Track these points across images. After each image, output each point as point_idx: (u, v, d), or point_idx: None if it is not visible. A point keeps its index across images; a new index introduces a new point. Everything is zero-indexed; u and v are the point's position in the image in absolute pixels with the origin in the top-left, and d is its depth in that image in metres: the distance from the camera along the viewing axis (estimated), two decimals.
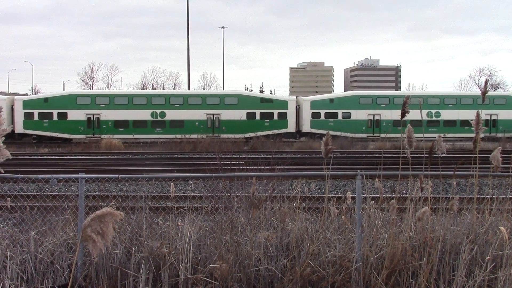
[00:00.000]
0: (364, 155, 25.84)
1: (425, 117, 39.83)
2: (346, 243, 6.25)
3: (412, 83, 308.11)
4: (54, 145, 35.40)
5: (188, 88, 58.23)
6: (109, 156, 25.69)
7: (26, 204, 7.43)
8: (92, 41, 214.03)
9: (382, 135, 39.77)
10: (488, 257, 5.14)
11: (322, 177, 13.87)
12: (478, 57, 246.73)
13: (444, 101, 41.53)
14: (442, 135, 5.96)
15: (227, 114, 39.41)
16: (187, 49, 55.97)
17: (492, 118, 40.96)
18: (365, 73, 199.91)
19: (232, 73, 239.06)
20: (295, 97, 43.48)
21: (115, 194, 9.80)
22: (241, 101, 40.08)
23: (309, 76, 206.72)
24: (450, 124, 40.36)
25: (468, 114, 39.93)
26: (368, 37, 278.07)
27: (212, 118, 39.43)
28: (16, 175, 6.61)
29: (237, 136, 38.80)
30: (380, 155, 23.29)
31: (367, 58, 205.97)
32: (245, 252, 6.11)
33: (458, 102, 41.12)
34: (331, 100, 42.12)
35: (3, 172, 2.71)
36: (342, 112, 40.86)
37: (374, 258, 5.83)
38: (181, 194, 9.76)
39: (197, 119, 39.17)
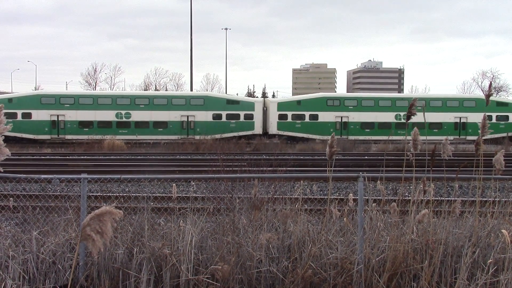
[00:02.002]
0: (366, 157, 25.82)
1: (114, 118, 39.34)
2: (348, 245, 6.25)
3: (415, 85, 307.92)
4: (57, 146, 35.47)
5: (191, 89, 58.28)
6: (112, 157, 25.72)
7: (28, 204, 7.45)
8: (95, 41, 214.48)
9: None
10: (490, 260, 5.13)
11: (325, 179, 13.87)
12: (482, 60, 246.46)
13: (135, 101, 40.23)
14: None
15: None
16: (190, 50, 56.03)
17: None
18: (368, 75, 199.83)
19: (235, 74, 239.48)
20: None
21: (117, 194, 9.81)
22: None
23: (312, 78, 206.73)
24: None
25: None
26: (371, 39, 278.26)
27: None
28: (19, 175, 6.63)
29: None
30: (382, 157, 23.27)
31: (370, 60, 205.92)
32: (247, 254, 6.11)
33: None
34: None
35: (2, 171, 2.71)
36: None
37: (375, 260, 5.83)
38: (183, 195, 9.76)
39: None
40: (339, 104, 41.32)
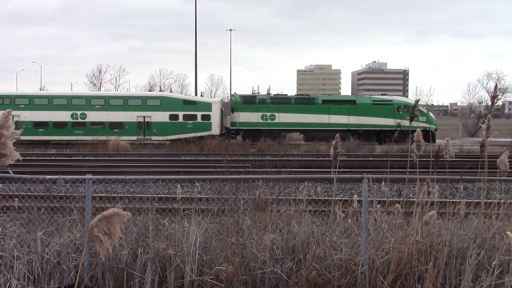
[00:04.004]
0: (371, 158, 25.81)
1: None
2: (352, 247, 6.25)
3: (420, 86, 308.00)
4: (62, 146, 35.56)
5: (195, 91, 58.37)
6: (116, 157, 25.79)
7: (33, 205, 7.47)
8: (100, 42, 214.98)
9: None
10: (495, 262, 5.11)
11: (329, 180, 13.86)
12: (487, 61, 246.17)
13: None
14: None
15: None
16: (194, 51, 56.16)
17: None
18: (372, 76, 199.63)
19: (239, 75, 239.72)
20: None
21: (122, 195, 9.83)
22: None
23: (317, 79, 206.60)
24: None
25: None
26: (376, 40, 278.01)
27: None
28: (24, 176, 6.66)
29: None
30: (387, 158, 23.24)
31: (375, 61, 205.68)
32: (251, 255, 6.12)
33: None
34: None
35: (11, 172, 2.74)
36: None
37: (380, 261, 5.82)
38: (188, 196, 9.78)
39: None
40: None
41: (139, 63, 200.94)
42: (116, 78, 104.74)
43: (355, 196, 7.24)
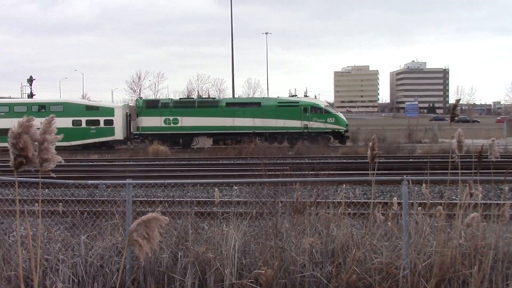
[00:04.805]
0: (411, 159, 25.34)
1: None
2: (393, 250, 6.14)
3: (461, 85, 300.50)
4: (103, 152, 36.36)
5: (233, 95, 58.79)
6: (156, 162, 26.20)
7: (77, 209, 7.67)
8: (139, 49, 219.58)
9: None
10: None
11: (368, 183, 13.68)
12: None
13: None
14: None
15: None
16: (231, 56, 56.63)
17: None
18: (411, 77, 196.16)
19: (276, 79, 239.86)
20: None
21: (162, 199, 9.95)
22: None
23: (354, 80, 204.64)
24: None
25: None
26: (415, 39, 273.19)
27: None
28: (68, 181, 6.85)
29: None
30: (427, 160, 22.75)
31: (413, 60, 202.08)
32: (290, 258, 6.10)
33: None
34: None
35: (55, 177, 2.81)
36: None
37: (422, 265, 5.70)
38: (226, 199, 9.83)
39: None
40: None
41: (177, 68, 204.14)
42: (155, 84, 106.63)
43: (395, 198, 7.12)
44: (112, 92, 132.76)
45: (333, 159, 24.99)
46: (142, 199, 10.13)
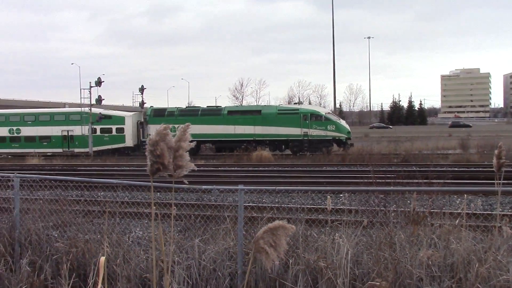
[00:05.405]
0: None
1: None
2: None
3: None
4: (209, 157, 37.61)
5: (334, 101, 58.22)
6: (260, 168, 26.57)
7: (190, 213, 7.91)
8: (242, 57, 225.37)
9: None
10: None
11: (491, 193, 12.77)
12: None
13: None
14: None
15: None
16: (332, 61, 56.13)
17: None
18: None
19: (378, 84, 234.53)
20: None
21: (271, 205, 9.98)
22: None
23: (463, 84, 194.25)
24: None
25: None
26: None
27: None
28: (182, 185, 7.07)
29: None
30: None
31: None
32: (405, 271, 5.83)
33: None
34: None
35: (187, 183, 2.89)
36: None
37: None
38: (337, 207, 9.65)
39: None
40: None
41: (278, 75, 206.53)
42: (256, 91, 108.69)
43: None
44: (215, 100, 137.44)
45: (442, 167, 23.79)
46: (251, 204, 10.24)
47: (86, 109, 43.59)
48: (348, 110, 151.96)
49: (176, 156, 2.55)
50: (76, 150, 43.30)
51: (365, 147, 36.47)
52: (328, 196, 6.75)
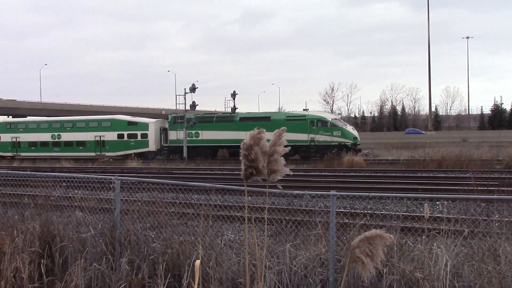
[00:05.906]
0: None
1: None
2: None
3: None
4: (299, 162, 37.60)
5: (429, 104, 55.91)
6: (351, 173, 26.10)
7: (281, 217, 7.90)
8: (333, 61, 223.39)
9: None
10: None
11: None
12: None
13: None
14: None
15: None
16: (428, 63, 54.04)
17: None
18: None
19: (478, 86, 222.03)
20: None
21: (364, 212, 9.73)
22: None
23: None
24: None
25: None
26: None
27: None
28: (274, 190, 7.08)
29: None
30: None
31: None
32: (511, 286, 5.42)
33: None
34: None
35: (281, 188, 2.86)
36: None
37: None
38: (433, 215, 9.20)
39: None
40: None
41: (370, 79, 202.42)
42: (347, 95, 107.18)
43: None
44: (305, 104, 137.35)
45: None
46: (343, 210, 10.06)
47: (117, 117, 48.85)
48: (444, 114, 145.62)
49: (271, 161, 2.54)
50: (107, 154, 47.44)
51: (463, 152, 34.59)
52: (425, 204, 6.43)
